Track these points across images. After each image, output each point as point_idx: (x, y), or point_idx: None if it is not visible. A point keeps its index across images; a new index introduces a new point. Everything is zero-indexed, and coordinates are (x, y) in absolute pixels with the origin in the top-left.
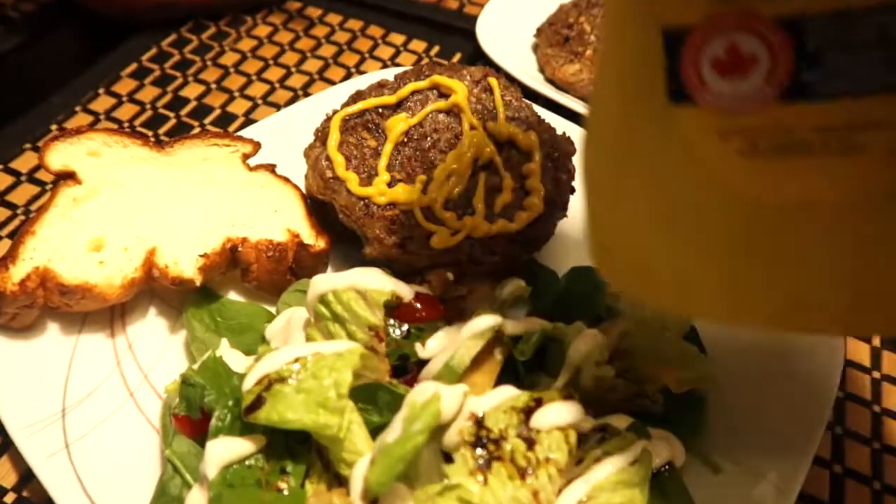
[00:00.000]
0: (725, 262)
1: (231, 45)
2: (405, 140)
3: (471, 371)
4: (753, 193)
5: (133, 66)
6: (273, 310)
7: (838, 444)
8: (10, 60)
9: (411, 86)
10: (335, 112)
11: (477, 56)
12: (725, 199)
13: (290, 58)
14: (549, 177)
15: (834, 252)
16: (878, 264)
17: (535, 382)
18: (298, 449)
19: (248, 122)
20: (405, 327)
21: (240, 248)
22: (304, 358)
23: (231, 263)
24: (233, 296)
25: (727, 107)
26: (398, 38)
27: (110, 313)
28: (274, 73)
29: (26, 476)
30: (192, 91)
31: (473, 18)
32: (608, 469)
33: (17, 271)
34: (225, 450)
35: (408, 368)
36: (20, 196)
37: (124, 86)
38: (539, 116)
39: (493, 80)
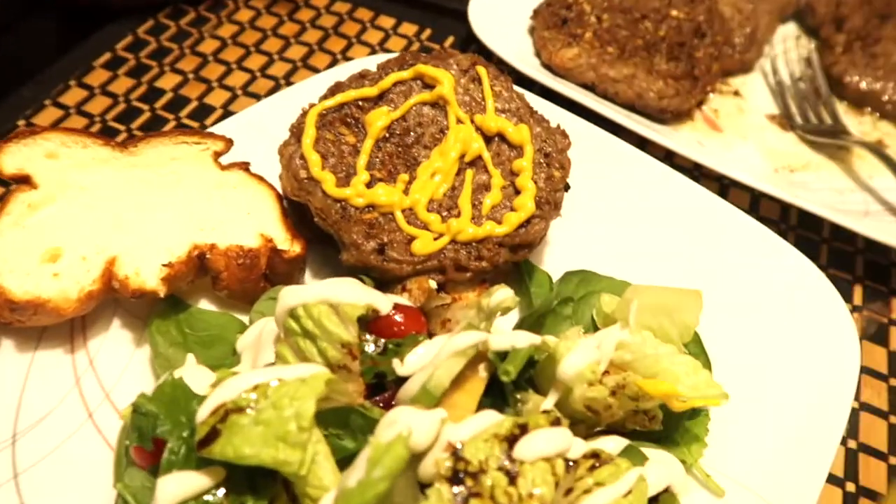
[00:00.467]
0: None
1: (211, 31)
2: (386, 135)
3: (452, 391)
4: None
5: (107, 56)
6: (247, 319)
7: (852, 460)
8: None
9: (394, 76)
10: (312, 106)
11: (470, 40)
12: None
13: (272, 44)
14: (542, 174)
15: None
16: None
17: (523, 399)
18: (261, 482)
19: (227, 114)
20: (382, 342)
21: (208, 256)
22: (264, 385)
23: (200, 271)
24: (204, 304)
25: None
26: (388, 21)
27: (70, 326)
28: (255, 62)
29: None
30: (168, 82)
31: None
32: (599, 502)
33: None
34: (178, 487)
35: (385, 386)
36: None
37: (97, 77)
38: (531, 108)
39: (481, 69)
